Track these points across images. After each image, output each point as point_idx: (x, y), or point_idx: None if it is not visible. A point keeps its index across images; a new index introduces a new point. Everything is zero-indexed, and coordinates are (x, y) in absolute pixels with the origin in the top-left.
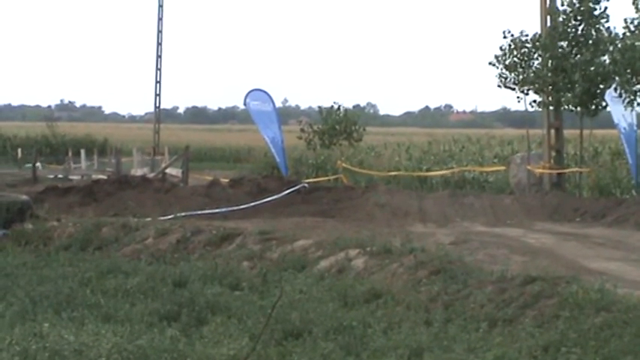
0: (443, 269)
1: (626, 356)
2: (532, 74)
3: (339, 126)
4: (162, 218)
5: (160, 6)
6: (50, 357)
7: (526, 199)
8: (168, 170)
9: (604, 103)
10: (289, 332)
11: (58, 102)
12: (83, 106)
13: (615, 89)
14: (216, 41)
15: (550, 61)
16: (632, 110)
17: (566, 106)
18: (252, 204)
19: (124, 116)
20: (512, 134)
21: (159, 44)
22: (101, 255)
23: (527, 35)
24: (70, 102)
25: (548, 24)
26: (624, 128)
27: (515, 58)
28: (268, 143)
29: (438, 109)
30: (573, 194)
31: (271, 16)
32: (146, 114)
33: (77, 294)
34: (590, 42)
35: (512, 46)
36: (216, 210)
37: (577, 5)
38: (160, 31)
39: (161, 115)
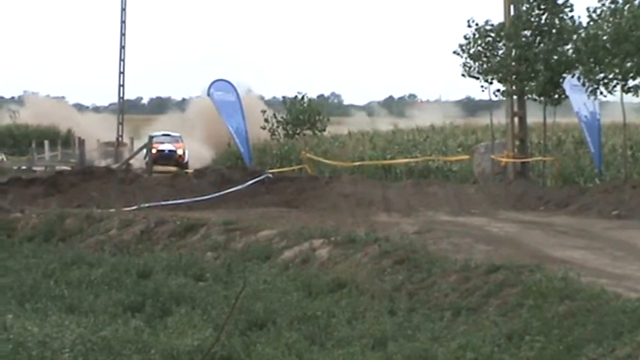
0: (407, 258)
1: (590, 344)
2: (496, 63)
3: (303, 116)
4: (126, 209)
5: None
6: (14, 348)
7: (490, 188)
8: (132, 161)
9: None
10: (253, 322)
11: (22, 93)
12: (47, 97)
13: (578, 78)
14: (180, 31)
15: (514, 50)
16: (595, 99)
17: (529, 95)
18: (217, 194)
19: (88, 107)
20: (476, 123)
21: (122, 35)
22: (65, 246)
23: (491, 24)
24: (33, 93)
25: (512, 13)
26: (585, 117)
27: (479, 48)
28: (232, 133)
29: (402, 98)
30: (537, 183)
31: (235, 6)
32: (110, 104)
33: (41, 285)
34: (554, 31)
35: (477, 36)
36: (181, 200)
37: None
38: (123, 22)
39: (125, 106)
